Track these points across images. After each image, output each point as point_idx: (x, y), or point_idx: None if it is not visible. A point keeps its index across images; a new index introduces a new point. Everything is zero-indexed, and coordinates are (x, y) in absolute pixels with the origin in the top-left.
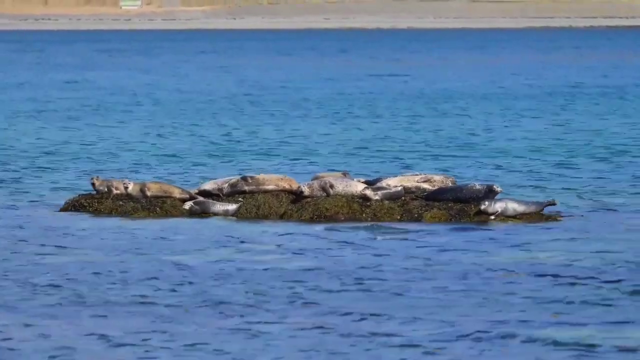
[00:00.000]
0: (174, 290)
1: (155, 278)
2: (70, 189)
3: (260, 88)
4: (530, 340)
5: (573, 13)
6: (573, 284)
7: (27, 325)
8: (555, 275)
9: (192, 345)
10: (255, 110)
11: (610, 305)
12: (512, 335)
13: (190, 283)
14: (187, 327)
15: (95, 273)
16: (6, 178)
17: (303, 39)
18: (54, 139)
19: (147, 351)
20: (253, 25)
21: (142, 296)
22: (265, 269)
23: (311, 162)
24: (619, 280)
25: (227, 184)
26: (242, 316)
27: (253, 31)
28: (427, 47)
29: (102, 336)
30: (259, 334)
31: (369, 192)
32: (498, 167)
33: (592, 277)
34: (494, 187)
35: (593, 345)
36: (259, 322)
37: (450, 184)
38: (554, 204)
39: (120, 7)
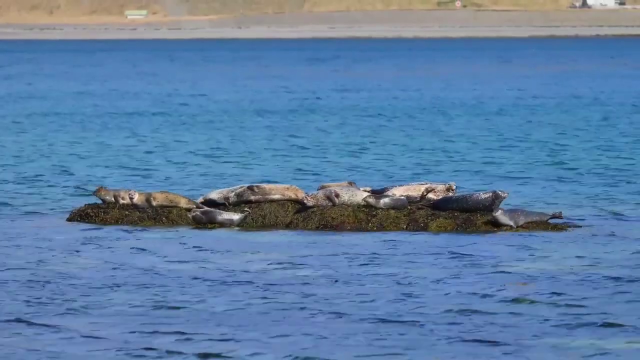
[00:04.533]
0: (171, 297)
1: (151, 287)
2: (76, 196)
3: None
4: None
5: (579, 22)
6: (579, 295)
7: (18, 334)
8: (560, 286)
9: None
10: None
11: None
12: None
13: (192, 293)
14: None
15: (94, 281)
16: (14, 186)
17: (306, 49)
18: (66, 148)
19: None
20: (259, 35)
21: (142, 305)
22: (271, 278)
23: (315, 172)
24: (629, 291)
25: (233, 193)
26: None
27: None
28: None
29: (95, 341)
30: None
31: (371, 200)
32: (501, 178)
33: (600, 287)
34: (499, 192)
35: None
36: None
37: (450, 194)
38: (559, 217)
39: (126, 17)
